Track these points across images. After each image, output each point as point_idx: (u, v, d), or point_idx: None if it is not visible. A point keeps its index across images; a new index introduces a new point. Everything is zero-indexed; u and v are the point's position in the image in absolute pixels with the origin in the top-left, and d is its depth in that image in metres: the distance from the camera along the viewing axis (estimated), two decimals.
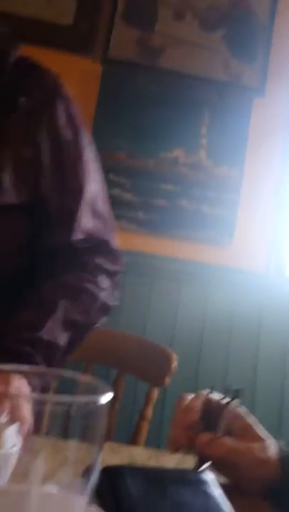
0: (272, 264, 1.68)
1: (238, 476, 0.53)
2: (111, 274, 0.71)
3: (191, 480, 0.44)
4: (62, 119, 0.69)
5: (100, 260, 0.70)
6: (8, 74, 0.66)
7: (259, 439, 0.54)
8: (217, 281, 1.61)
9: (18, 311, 0.63)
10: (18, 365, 0.53)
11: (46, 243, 0.69)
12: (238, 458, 0.52)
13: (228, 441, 0.53)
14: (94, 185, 0.71)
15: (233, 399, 0.55)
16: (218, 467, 0.52)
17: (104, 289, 0.69)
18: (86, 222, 0.69)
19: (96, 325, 0.69)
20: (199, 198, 1.74)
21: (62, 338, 0.62)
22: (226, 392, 0.56)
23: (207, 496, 0.42)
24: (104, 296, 0.68)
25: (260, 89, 1.77)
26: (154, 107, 1.79)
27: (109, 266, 0.71)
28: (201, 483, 0.44)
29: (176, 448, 0.54)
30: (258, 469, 0.52)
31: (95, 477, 0.30)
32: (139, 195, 1.74)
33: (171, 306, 1.57)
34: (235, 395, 0.55)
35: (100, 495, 0.39)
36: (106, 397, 0.29)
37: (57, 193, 0.68)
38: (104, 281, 0.69)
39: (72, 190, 0.69)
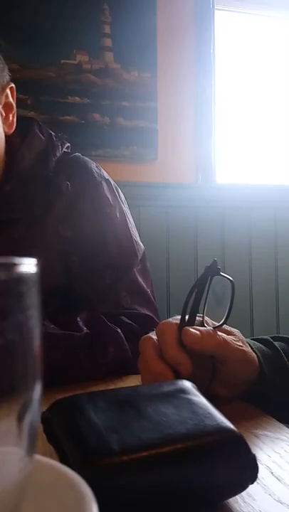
0: (200, 173, 1.61)
1: (226, 370, 0.48)
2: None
3: (167, 392, 0.36)
4: (104, 199, 0.76)
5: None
6: (53, 166, 0.75)
7: (231, 332, 0.50)
8: (148, 199, 1.50)
9: None
10: None
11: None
12: (228, 350, 0.47)
13: (216, 333, 0.48)
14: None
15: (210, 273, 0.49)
16: (202, 364, 0.47)
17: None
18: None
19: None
20: (113, 109, 1.55)
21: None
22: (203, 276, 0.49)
23: (192, 404, 0.34)
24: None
25: None
26: (42, 6, 1.50)
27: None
28: (180, 393, 0.36)
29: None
30: (243, 362, 0.49)
31: (34, 417, 0.18)
32: (43, 113, 1.49)
33: None
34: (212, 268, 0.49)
35: (53, 439, 0.33)
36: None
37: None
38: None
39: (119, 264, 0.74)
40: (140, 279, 0.75)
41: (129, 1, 1.56)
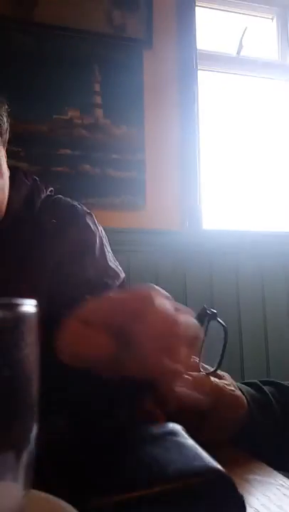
0: (187, 220, 1.66)
1: (217, 416, 0.48)
2: None
3: (156, 434, 0.37)
4: (87, 228, 0.81)
5: None
6: (38, 207, 0.81)
7: (222, 376, 0.51)
8: (137, 245, 1.54)
9: None
10: None
11: None
12: (220, 395, 0.47)
13: (209, 378, 0.48)
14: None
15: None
16: (194, 409, 0.46)
17: None
18: None
19: None
20: (103, 161, 1.63)
21: None
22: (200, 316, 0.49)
23: (181, 446, 0.35)
24: None
25: (147, 41, 1.70)
26: (37, 65, 1.60)
27: None
28: (170, 435, 0.37)
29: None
30: (234, 407, 0.49)
31: (31, 452, 0.20)
32: (36, 164, 1.56)
33: None
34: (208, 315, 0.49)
35: (43, 477, 0.30)
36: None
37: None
38: None
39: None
40: None
41: (118, 62, 1.68)
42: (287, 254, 1.70)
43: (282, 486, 0.42)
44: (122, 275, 0.81)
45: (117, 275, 0.80)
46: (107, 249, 0.83)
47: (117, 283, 0.79)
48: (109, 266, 0.80)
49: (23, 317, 0.18)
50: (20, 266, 0.76)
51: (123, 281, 0.81)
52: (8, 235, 0.77)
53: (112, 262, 0.82)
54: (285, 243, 1.73)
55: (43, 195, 0.84)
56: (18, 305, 0.18)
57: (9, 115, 0.84)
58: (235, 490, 0.32)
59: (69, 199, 0.86)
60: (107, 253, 0.82)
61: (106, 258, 0.81)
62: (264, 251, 1.67)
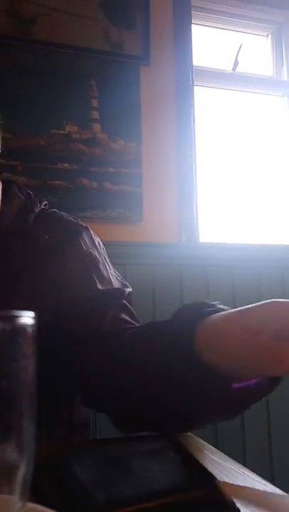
0: (184, 233, 1.67)
1: None
2: None
3: (152, 448, 0.38)
4: (86, 244, 0.79)
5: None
6: (31, 221, 0.79)
7: None
8: (134, 258, 1.54)
9: None
10: None
11: None
12: None
13: None
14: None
15: None
16: None
17: None
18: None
19: None
20: (100, 175, 1.64)
21: None
22: None
23: (177, 460, 0.36)
24: None
25: (144, 58, 1.73)
26: (36, 81, 1.63)
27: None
28: (166, 449, 0.38)
29: None
30: None
31: (28, 463, 0.20)
32: (33, 178, 1.57)
33: None
34: None
35: (41, 494, 0.31)
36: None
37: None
38: None
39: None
40: (127, 318, 0.74)
41: (115, 78, 1.71)
42: (284, 267, 1.71)
43: (277, 498, 0.42)
44: (130, 289, 0.79)
45: (124, 283, 0.79)
46: (108, 261, 0.82)
47: (128, 290, 0.77)
48: (115, 275, 0.79)
49: (21, 329, 0.18)
50: (13, 279, 0.73)
51: (129, 294, 0.78)
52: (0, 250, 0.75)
53: (114, 272, 0.81)
54: (282, 256, 1.74)
55: (37, 209, 0.82)
56: (16, 317, 0.18)
57: (1, 128, 0.83)
58: (232, 504, 0.32)
59: (64, 213, 0.84)
60: (108, 264, 0.81)
61: (109, 269, 0.80)
62: (261, 264, 1.68)
